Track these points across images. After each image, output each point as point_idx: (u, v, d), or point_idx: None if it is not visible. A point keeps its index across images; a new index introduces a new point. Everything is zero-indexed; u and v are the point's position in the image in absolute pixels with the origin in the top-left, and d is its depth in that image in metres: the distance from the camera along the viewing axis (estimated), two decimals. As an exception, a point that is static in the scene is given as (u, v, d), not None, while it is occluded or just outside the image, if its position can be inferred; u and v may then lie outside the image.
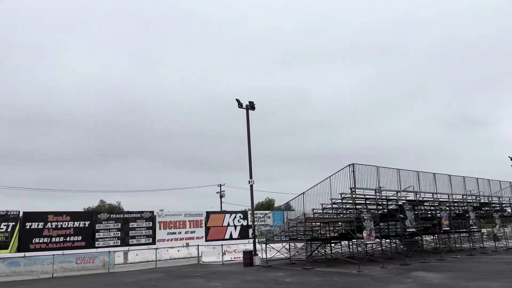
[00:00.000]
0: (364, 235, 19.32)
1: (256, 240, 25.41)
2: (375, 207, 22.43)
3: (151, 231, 34.68)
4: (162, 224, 35.49)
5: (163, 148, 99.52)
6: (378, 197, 20.98)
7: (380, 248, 26.86)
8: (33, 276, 21.31)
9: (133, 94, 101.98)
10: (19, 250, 28.68)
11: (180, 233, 36.28)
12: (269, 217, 38.24)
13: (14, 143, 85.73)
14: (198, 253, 28.61)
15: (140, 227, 34.24)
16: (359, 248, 23.67)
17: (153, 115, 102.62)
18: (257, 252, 24.65)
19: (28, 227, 29.54)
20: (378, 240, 23.82)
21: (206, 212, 38.88)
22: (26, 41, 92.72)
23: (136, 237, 33.76)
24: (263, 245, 25.17)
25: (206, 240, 36.54)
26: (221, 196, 55.56)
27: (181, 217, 36.85)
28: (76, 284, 18.30)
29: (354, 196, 19.71)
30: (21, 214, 29.80)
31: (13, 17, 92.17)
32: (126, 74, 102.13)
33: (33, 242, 29.40)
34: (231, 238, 38.56)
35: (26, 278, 20.83)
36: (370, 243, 21.59)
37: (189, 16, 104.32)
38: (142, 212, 35.04)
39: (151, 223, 34.88)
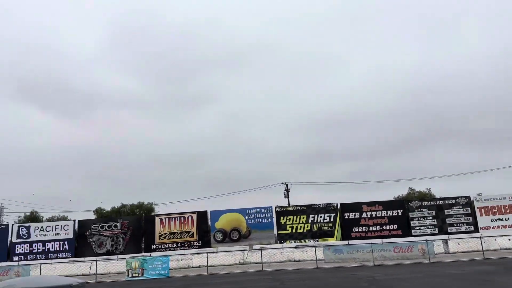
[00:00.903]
0: None
1: None
2: None
3: (470, 217, 31.01)
4: (482, 209, 31.11)
5: (472, 128, 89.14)
6: None
7: None
8: (356, 263, 22.61)
9: (421, 79, 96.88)
10: (342, 238, 31.50)
11: (508, 219, 30.74)
12: None
13: (328, 144, 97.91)
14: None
15: (457, 214, 31.18)
16: None
17: (453, 95, 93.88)
18: None
19: (346, 217, 32.04)
20: None
21: (543, 192, 31.43)
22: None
23: (455, 225, 30.93)
24: None
25: (549, 228, 29.42)
26: (559, 173, 44.09)
27: (505, 201, 31.28)
28: (400, 273, 18.01)
29: None
30: (338, 206, 32.83)
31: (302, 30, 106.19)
32: (413, 60, 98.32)
33: (353, 231, 31.61)
34: None
35: (350, 265, 22.30)
36: None
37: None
38: (457, 197, 31.88)
39: (468, 209, 31.22)
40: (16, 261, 29.67)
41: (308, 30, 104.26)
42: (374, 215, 31.90)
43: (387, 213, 31.80)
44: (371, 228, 31.54)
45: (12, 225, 32.35)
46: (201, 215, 31.44)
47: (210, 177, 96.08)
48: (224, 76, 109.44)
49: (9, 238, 30.66)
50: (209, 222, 31.42)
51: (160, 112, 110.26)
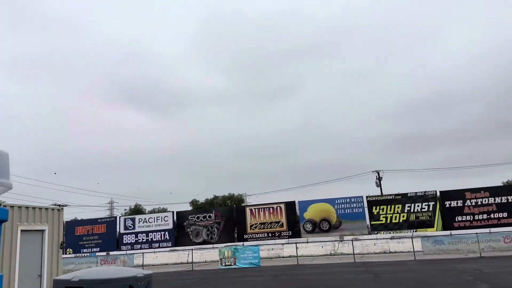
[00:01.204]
0: None
1: None
2: None
3: None
4: None
5: None
6: None
7: None
8: (459, 255, 20.65)
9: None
10: (444, 228, 29.07)
11: None
12: None
13: (423, 127, 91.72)
14: None
15: None
16: None
17: None
18: None
19: (447, 205, 29.52)
20: None
21: None
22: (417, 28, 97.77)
23: None
24: None
25: None
26: None
27: None
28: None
29: None
30: (438, 194, 30.31)
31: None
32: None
33: (456, 220, 29.03)
34: None
35: (453, 257, 20.42)
36: None
37: None
38: None
39: None
40: (124, 250, 32.58)
41: (397, 6, 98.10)
42: (479, 203, 28.94)
43: (495, 200, 28.64)
44: (476, 217, 28.67)
45: (120, 217, 35.57)
46: (290, 206, 31.37)
47: (297, 168, 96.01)
48: (308, 64, 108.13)
49: (118, 230, 33.77)
50: (298, 213, 31.21)
51: (247, 106, 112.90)
